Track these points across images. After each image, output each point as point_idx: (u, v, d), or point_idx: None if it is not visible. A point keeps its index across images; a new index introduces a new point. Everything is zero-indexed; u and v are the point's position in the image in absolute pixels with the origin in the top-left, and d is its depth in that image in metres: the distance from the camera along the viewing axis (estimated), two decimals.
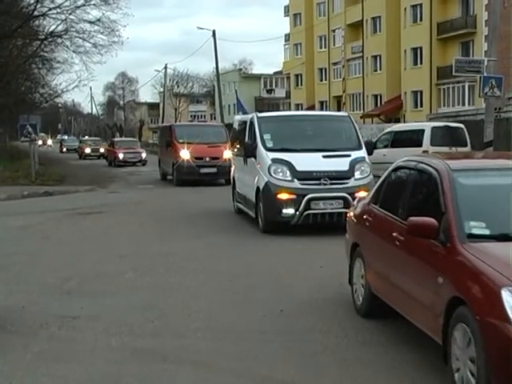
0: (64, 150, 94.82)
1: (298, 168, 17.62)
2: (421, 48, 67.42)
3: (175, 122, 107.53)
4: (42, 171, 39.78)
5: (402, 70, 69.72)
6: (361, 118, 67.04)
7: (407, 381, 7.62)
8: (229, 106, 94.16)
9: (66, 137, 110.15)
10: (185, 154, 33.94)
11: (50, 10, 40.78)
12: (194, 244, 17.15)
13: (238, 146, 22.10)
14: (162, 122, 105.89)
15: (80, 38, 41.34)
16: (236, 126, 23.80)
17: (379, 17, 73.98)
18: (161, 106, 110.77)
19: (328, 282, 12.13)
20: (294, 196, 17.30)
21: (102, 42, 41.62)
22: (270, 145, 18.66)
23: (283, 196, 17.39)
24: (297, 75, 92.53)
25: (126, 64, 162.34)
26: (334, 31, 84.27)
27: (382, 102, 73.17)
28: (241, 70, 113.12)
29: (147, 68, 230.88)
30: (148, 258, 15.03)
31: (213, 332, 9.48)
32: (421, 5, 66.72)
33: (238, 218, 21.58)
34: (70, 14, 40.39)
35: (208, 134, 36.57)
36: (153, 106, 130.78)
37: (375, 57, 75.20)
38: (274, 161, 17.92)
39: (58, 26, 41.72)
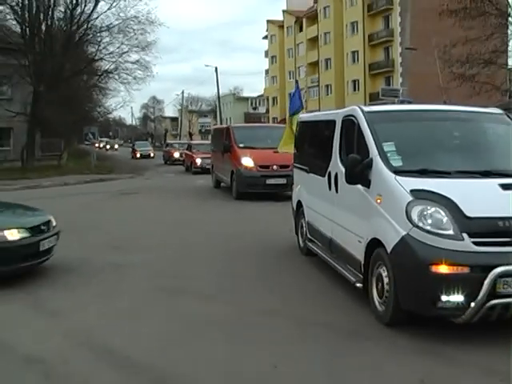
0: (138, 155, 60.13)
1: (468, 211, 6.27)
2: (358, 80, 68.04)
3: (189, 129, 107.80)
4: (98, 164, 39.59)
5: (345, 95, 69.93)
6: None
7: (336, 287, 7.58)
8: (227, 118, 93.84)
9: (137, 142, 73.63)
10: (247, 162, 20.22)
11: (106, 55, 41.91)
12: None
13: (306, 159, 10.70)
14: (180, 130, 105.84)
15: (125, 73, 42.04)
16: (298, 128, 11.56)
17: (330, 58, 74.14)
18: (179, 119, 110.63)
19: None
20: (465, 270, 6.02)
21: (140, 75, 42.08)
22: (398, 163, 7.13)
23: (443, 269, 6.01)
24: (273, 97, 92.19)
25: (156, 90, 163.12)
26: (299, 68, 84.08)
27: None
28: (234, 94, 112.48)
29: (170, 92, 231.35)
30: (173, 225, 14.90)
31: (214, 275, 9.42)
32: (358, 51, 67.54)
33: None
34: (119, 57, 41.38)
35: (273, 137, 19.44)
36: (174, 119, 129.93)
37: (327, 85, 75.30)
38: (418, 195, 6.50)
39: (110, 65, 42.69)
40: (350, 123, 8.13)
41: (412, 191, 6.45)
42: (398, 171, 6.81)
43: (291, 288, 8.53)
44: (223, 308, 7.60)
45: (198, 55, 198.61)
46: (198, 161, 33.77)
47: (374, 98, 60.64)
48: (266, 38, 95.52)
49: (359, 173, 7.22)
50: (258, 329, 6.73)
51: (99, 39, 41.79)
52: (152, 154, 60.58)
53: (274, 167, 19.97)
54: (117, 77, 43.06)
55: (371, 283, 6.99)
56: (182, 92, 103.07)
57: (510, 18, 30.87)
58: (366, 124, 7.59)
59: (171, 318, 7.16)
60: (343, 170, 7.77)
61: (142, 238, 12.92)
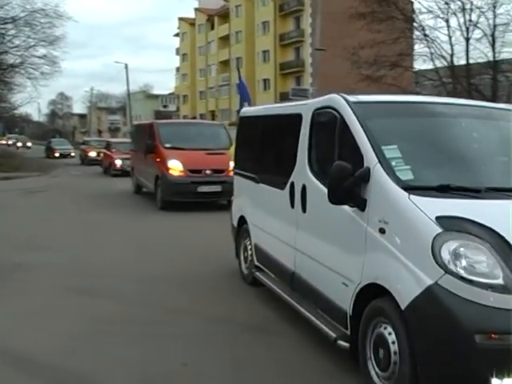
0: (57, 154, 53.77)
1: None
2: (269, 79, 68.62)
3: (98, 127, 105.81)
4: (2, 162, 37.93)
5: (256, 94, 70.23)
6: (229, 125, 67.17)
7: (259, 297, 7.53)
8: (137, 116, 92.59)
9: (53, 139, 66.90)
10: (175, 165, 17.17)
11: (11, 48, 40.59)
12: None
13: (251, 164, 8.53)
14: (90, 127, 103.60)
15: (31, 68, 40.97)
16: (241, 124, 9.31)
17: (241, 57, 74.17)
18: (88, 116, 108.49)
19: None
20: None
21: (47, 71, 41.02)
22: (407, 175, 4.86)
23: (495, 341, 3.84)
24: (184, 95, 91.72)
25: (64, 86, 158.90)
26: (210, 66, 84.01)
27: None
28: (145, 91, 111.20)
29: (79, 89, 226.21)
30: (78, 223, 14.60)
31: (123, 275, 9.29)
32: (269, 50, 68.13)
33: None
34: (25, 51, 40.19)
35: (205, 136, 18.90)
36: (82, 116, 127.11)
37: (238, 84, 75.37)
38: (449, 225, 4.29)
39: (15, 59, 41.37)
40: (327, 118, 5.92)
41: (439, 219, 4.35)
42: (409, 187, 4.71)
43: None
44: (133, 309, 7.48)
45: (107, 51, 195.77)
46: (118, 162, 29.96)
47: (284, 98, 61.09)
48: (177, 35, 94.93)
49: (349, 188, 4.99)
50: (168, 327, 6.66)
51: (3, 31, 40.41)
52: (73, 154, 54.12)
53: (207, 172, 17.07)
54: (23, 71, 41.85)
55: (365, 346, 4.96)
56: (91, 88, 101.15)
57: (414, 23, 31.92)
58: (355, 120, 5.35)
59: (79, 318, 7.00)
60: (316, 181, 5.91)
61: (47, 237, 12.61)
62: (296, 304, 6.40)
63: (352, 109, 5.50)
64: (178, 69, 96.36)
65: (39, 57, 40.39)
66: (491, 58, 31.37)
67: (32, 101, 52.82)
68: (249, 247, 8.43)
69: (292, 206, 6.51)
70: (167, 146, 17.82)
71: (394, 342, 4.53)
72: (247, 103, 10.89)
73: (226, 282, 8.81)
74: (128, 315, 7.18)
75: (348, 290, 5.15)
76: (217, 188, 16.75)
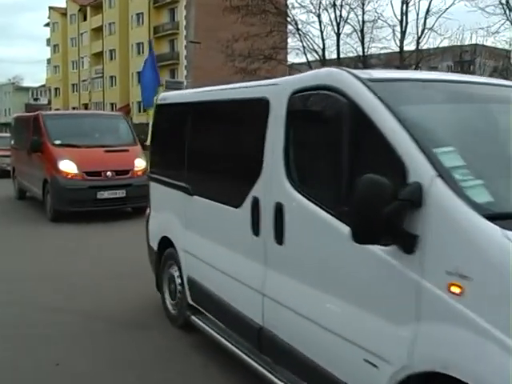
0: None
1: None
2: None
3: None
4: None
5: (130, 87, 69.41)
6: None
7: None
8: (5, 109, 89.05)
9: None
10: (68, 167, 13.68)
11: None
12: None
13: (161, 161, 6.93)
14: None
15: None
16: (158, 113, 7.16)
17: (114, 49, 73.13)
18: None
19: None
20: None
21: None
22: (483, 196, 2.88)
23: None
24: (56, 88, 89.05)
25: None
26: (82, 58, 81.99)
27: (116, 108, 72.25)
28: (14, 83, 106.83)
29: None
30: None
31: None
32: (142, 43, 66.98)
33: None
34: None
35: (103, 130, 15.47)
36: None
37: (112, 77, 74.22)
38: None
39: None
40: (321, 105, 4.01)
41: None
42: (494, 216, 2.89)
43: None
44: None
45: None
46: None
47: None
48: (47, 25, 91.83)
49: (391, 218, 3.07)
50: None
51: None
52: None
53: (108, 174, 13.59)
54: None
55: None
56: None
57: (287, 18, 32.52)
58: (382, 107, 3.44)
59: None
60: (302, 199, 3.99)
61: None
62: (268, 373, 4.37)
63: (372, 91, 3.53)
64: (49, 60, 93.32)
65: None
66: (361, 53, 32.64)
67: None
68: (177, 279, 6.14)
69: (255, 232, 4.49)
70: (57, 142, 14.13)
71: None
72: (158, 86, 7.92)
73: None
74: None
75: (378, 373, 3.31)
76: (121, 193, 13.58)
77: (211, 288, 5.35)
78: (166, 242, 6.34)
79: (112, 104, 73.66)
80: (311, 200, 3.89)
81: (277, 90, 4.44)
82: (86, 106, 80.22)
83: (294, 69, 29.52)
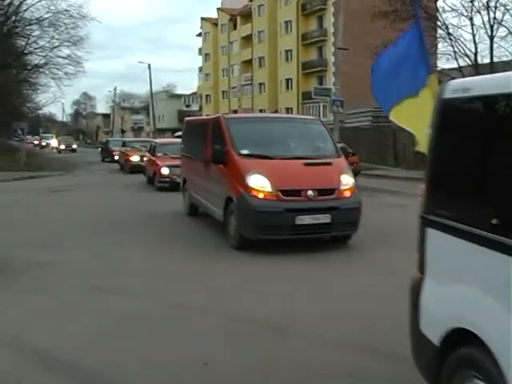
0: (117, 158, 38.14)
1: None
2: (291, 79, 68.48)
3: (122, 126, 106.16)
4: (27, 161, 38.21)
5: (278, 93, 70.44)
6: None
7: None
8: (160, 116, 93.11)
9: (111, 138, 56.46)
10: (259, 184, 10.75)
11: (35, 49, 41.44)
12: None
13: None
14: (113, 127, 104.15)
15: (55, 68, 41.65)
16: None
17: (263, 57, 74.33)
18: (111, 116, 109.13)
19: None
20: None
21: (71, 71, 41.58)
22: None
23: None
24: (207, 95, 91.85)
25: (88, 86, 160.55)
26: (232, 66, 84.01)
27: None
28: (167, 91, 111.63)
29: (102, 89, 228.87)
30: (102, 223, 14.52)
31: (141, 273, 9.26)
32: (291, 50, 68.07)
33: None
34: (49, 51, 40.88)
35: (298, 138, 12.63)
36: (106, 116, 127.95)
37: (261, 84, 75.42)
38: None
39: (40, 60, 42.12)
40: None
41: None
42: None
43: None
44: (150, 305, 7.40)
45: (130, 52, 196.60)
46: (165, 170, 22.19)
47: (306, 97, 61.19)
48: (199, 35, 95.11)
49: None
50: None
51: (29, 32, 41.06)
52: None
53: (310, 193, 10.75)
54: (47, 72, 42.44)
55: None
56: (115, 88, 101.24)
57: (438, 22, 31.72)
58: None
59: (100, 316, 7.02)
60: None
61: (71, 236, 12.63)
62: None
63: None
64: (200, 69, 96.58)
65: (63, 57, 41.04)
66: None
67: (56, 101, 54.00)
68: None
69: None
70: (244, 153, 11.50)
71: None
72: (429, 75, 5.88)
73: None
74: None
75: None
76: (325, 218, 10.76)
77: None
78: (459, 336, 3.54)
79: (260, 110, 75.00)
80: None
81: None
82: (235, 113, 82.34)
83: (445, 74, 28.78)
